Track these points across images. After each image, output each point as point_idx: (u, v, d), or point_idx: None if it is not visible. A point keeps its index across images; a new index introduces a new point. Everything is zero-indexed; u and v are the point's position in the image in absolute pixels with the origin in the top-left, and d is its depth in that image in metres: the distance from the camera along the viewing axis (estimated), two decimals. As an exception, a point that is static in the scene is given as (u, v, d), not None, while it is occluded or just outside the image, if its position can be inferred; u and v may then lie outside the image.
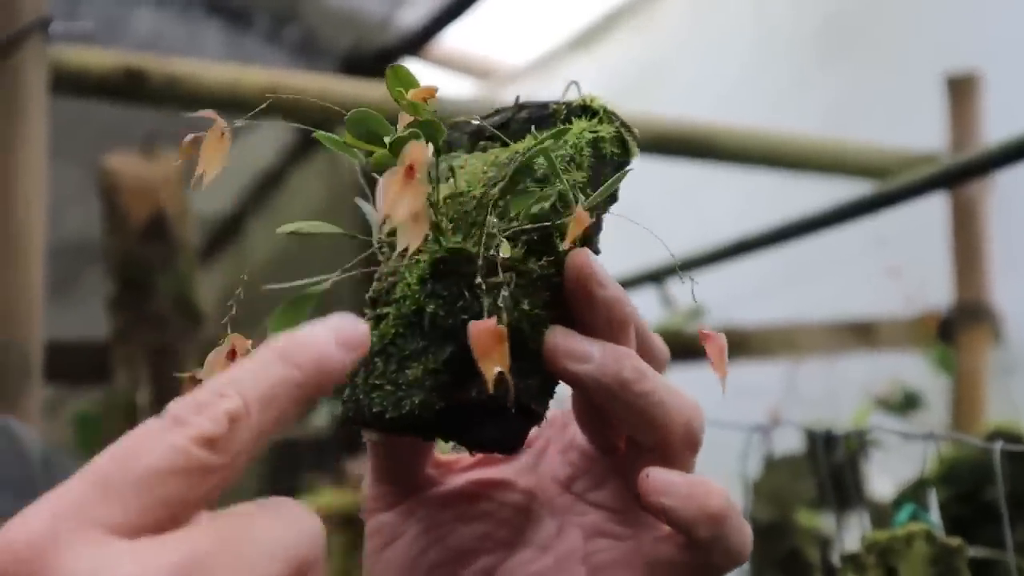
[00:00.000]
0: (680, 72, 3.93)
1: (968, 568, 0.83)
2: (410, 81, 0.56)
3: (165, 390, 1.90)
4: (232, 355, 0.55)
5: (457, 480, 0.63)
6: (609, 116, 0.61)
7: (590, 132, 0.60)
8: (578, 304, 0.55)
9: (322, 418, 3.16)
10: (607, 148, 0.60)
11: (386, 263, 0.60)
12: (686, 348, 2.59)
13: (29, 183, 1.62)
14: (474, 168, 0.60)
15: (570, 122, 0.60)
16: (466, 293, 0.55)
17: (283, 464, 3.86)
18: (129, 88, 1.78)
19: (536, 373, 0.55)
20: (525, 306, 0.54)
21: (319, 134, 0.58)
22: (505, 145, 0.61)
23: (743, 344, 2.50)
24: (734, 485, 1.74)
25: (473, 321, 0.51)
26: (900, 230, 2.69)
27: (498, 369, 0.50)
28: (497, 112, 0.64)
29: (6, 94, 1.63)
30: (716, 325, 2.37)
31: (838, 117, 3.19)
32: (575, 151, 0.59)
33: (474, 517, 0.61)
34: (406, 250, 0.52)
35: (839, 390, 2.51)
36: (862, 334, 2.65)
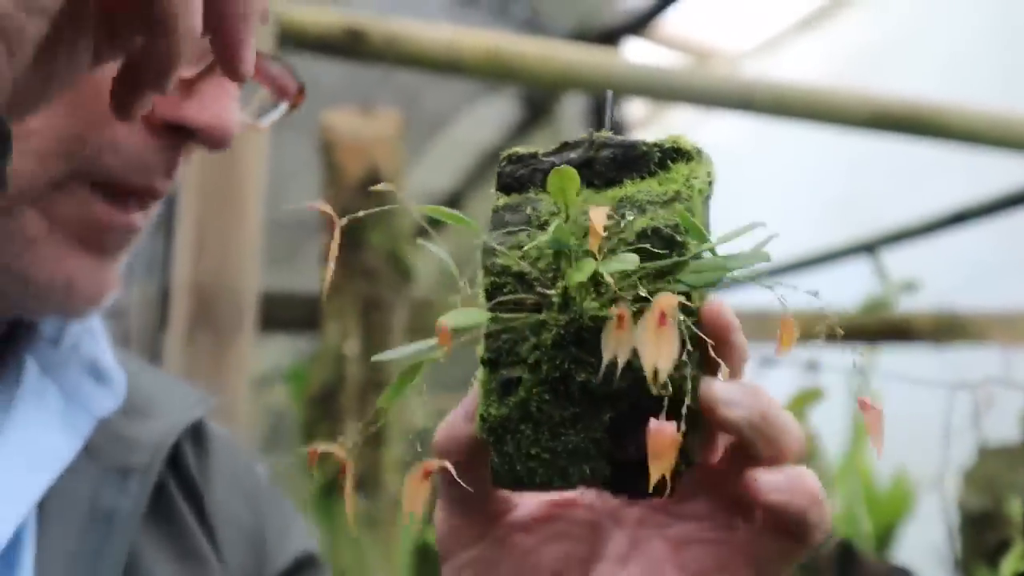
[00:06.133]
0: (910, 54, 3.82)
1: None
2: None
3: (373, 341, 1.94)
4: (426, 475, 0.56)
5: (528, 502, 0.64)
6: (699, 155, 0.59)
7: (693, 178, 0.58)
8: (715, 350, 0.56)
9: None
10: (707, 190, 0.59)
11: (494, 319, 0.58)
12: (893, 328, 2.53)
13: (254, 131, 1.67)
14: (572, 216, 0.58)
15: (664, 165, 0.58)
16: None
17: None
18: (349, 46, 1.81)
19: (693, 425, 0.55)
20: (685, 371, 0.54)
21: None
22: (591, 186, 0.59)
23: (960, 330, 2.42)
24: (939, 471, 1.68)
25: (654, 424, 0.52)
26: None
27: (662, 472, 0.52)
28: (566, 147, 0.61)
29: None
30: (930, 306, 2.29)
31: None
32: (687, 201, 0.57)
33: (554, 538, 0.64)
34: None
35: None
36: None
